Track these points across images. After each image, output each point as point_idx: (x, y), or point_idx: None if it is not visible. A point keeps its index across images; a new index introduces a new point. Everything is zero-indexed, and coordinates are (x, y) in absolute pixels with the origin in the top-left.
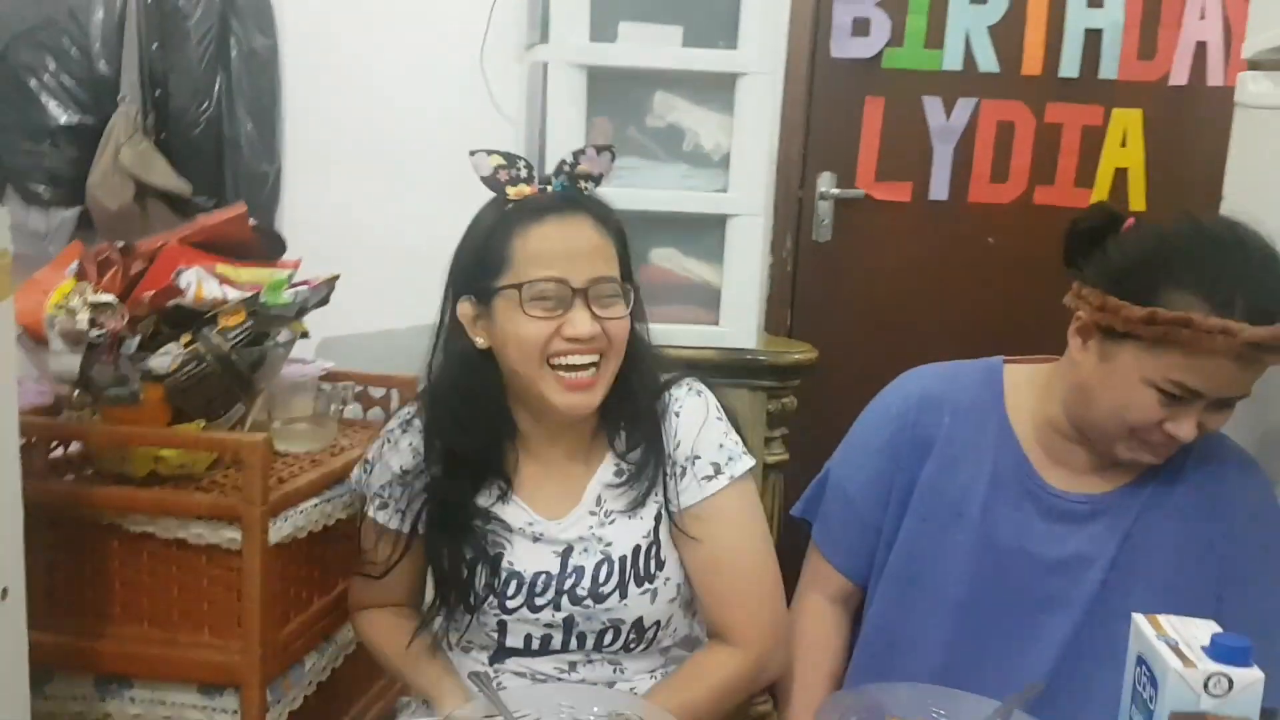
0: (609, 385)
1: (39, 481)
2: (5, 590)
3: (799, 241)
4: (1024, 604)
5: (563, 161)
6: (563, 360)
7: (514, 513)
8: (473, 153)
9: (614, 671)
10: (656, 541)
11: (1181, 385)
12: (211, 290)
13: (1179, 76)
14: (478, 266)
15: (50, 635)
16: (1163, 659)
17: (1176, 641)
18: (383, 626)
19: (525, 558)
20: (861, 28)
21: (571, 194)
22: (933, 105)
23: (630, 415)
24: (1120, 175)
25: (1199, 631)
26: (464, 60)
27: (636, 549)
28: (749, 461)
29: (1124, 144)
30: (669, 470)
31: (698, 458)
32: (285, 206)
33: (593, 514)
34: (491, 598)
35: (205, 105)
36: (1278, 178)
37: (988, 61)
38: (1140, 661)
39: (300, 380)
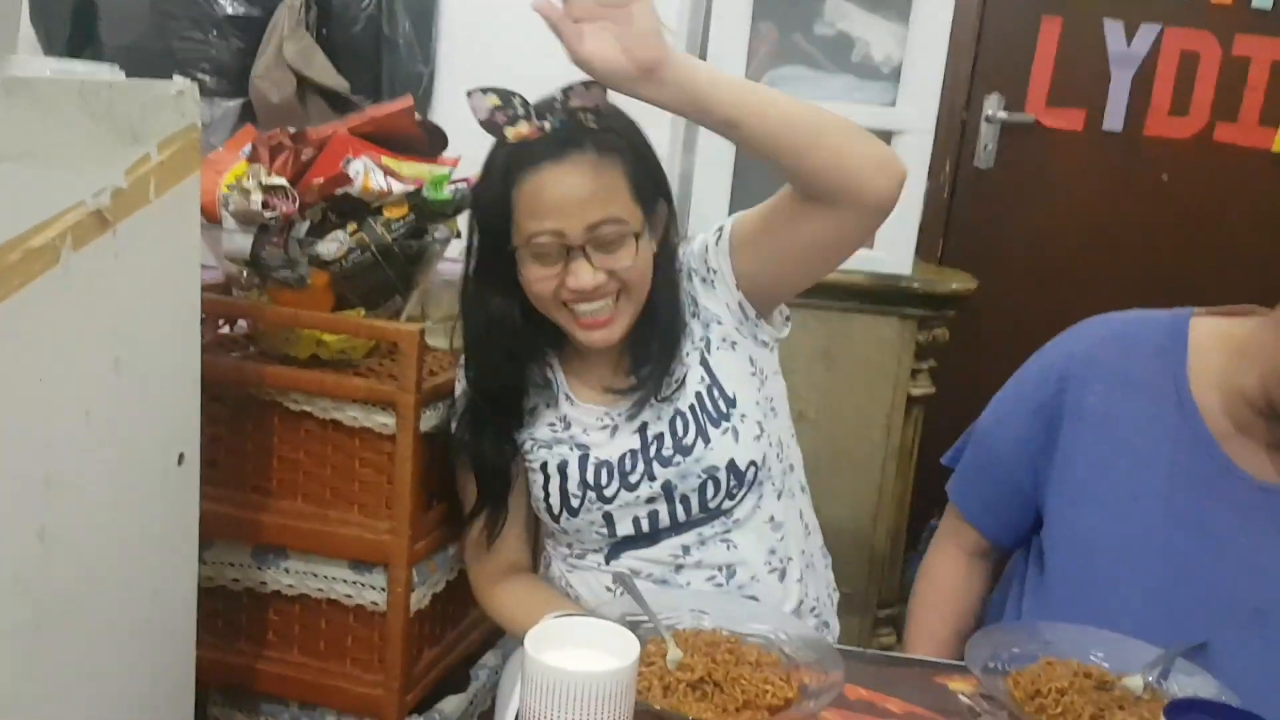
0: (632, 319)
1: (207, 356)
2: (182, 456)
3: (959, 166)
4: (1218, 617)
5: (553, 99)
6: (575, 305)
7: (585, 413)
8: (470, 93)
9: (728, 550)
10: (715, 382)
11: None
12: (378, 181)
13: None
14: (491, 219)
15: (212, 504)
16: None
17: None
18: (524, 596)
19: (608, 448)
20: None
21: (569, 131)
22: (1113, 29)
23: (655, 340)
24: None
25: None
26: None
27: (699, 395)
28: None
29: None
30: (692, 281)
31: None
32: (435, 110)
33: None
34: (589, 493)
35: (366, 3)
36: None
37: None
38: None
39: (453, 279)
